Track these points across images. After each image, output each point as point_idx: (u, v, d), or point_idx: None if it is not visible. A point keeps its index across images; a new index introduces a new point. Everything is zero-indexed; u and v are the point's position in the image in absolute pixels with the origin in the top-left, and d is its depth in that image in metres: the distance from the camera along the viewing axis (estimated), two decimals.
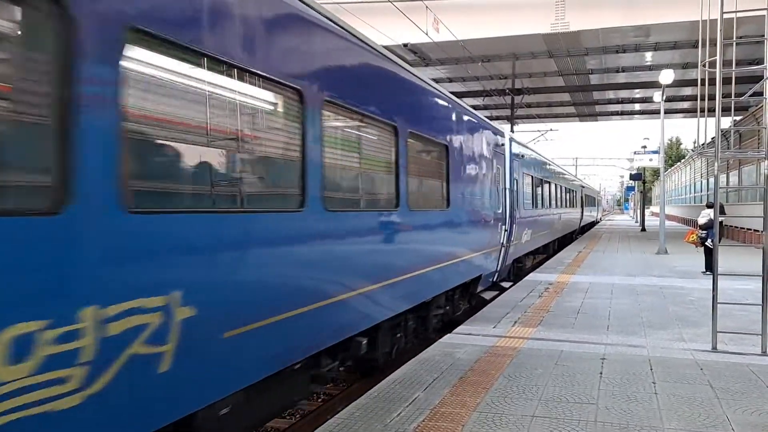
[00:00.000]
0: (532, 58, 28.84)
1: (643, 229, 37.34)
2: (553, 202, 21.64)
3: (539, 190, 18.16)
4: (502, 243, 12.14)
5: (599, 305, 10.08)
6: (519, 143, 15.21)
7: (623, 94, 40.20)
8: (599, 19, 23.07)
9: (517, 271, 15.39)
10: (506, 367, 6.27)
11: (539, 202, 18.07)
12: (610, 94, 40.56)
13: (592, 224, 48.20)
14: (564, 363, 6.45)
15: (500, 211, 11.80)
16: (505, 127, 17.27)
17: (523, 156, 15.20)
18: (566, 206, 26.34)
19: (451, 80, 33.79)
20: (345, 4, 18.66)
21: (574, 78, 33.84)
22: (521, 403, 5.17)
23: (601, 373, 6.05)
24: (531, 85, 35.24)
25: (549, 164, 21.56)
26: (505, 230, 12.28)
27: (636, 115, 50.56)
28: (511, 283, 13.32)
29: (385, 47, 6.82)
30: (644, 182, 41.78)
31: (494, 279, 12.16)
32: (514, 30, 23.87)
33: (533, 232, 16.48)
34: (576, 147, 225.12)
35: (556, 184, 22.26)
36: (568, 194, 27.40)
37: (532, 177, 16.75)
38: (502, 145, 12.37)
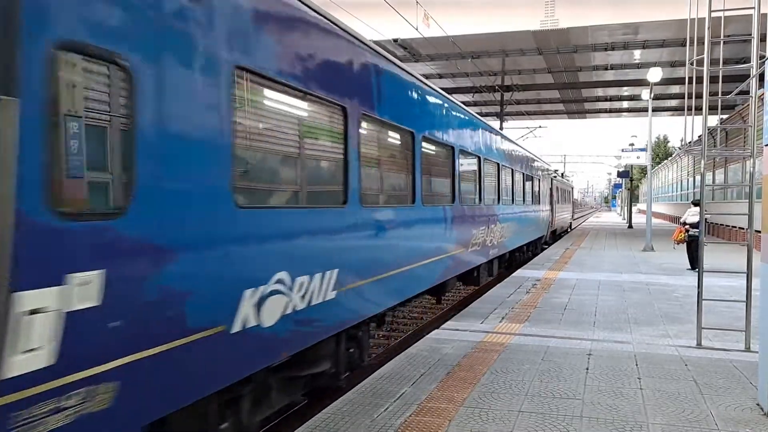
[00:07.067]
0: (522, 54, 28.89)
1: (630, 227, 37.61)
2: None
3: None
4: None
5: (586, 301, 10.14)
6: None
7: (611, 91, 40.37)
8: (588, 16, 23.14)
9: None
10: (493, 363, 6.29)
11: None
12: (599, 92, 40.72)
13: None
14: (551, 358, 6.49)
15: None
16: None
17: None
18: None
19: (440, 76, 33.79)
20: None
21: (563, 75, 33.93)
22: (508, 398, 5.20)
23: (587, 369, 6.09)
24: (520, 81, 35.32)
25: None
26: None
27: (624, 113, 50.82)
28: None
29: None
30: (631, 180, 42.08)
31: None
32: (504, 26, 23.90)
33: None
34: (565, 144, 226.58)
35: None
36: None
37: None
38: None
